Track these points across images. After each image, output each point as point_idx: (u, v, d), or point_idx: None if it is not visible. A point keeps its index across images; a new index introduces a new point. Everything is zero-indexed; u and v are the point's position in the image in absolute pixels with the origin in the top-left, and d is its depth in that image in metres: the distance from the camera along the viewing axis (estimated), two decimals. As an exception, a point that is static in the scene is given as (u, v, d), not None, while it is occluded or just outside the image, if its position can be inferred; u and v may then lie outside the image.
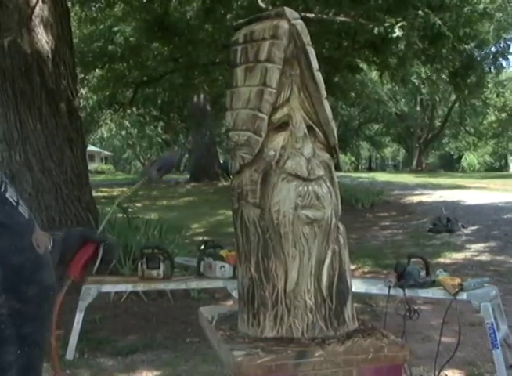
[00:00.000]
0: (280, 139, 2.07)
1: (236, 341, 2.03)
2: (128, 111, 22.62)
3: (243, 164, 2.09)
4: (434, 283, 3.85)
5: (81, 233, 1.53)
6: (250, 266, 2.06)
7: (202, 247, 4.69)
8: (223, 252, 4.44)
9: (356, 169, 49.23)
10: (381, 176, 28.67)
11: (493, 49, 17.09)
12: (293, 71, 2.10)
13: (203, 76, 15.69)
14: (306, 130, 2.08)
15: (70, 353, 4.15)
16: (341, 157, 43.80)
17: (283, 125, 2.08)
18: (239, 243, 2.12)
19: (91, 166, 34.92)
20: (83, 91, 19.00)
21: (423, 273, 3.96)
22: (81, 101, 16.24)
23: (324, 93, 2.12)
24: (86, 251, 1.46)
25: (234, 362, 1.86)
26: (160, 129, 33.36)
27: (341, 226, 2.13)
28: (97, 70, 16.43)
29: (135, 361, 4.23)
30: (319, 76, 2.11)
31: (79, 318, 4.18)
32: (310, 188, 2.01)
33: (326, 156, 2.13)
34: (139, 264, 4.45)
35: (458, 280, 3.78)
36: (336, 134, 2.19)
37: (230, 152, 2.17)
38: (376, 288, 4.10)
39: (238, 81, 2.11)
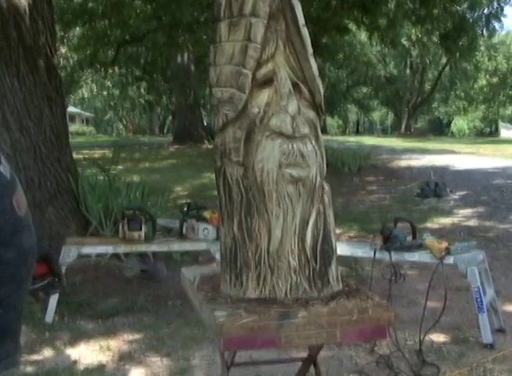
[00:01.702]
0: (264, 95, 2.01)
1: (219, 301, 1.99)
2: (110, 71, 22.27)
3: (226, 121, 2.03)
4: (420, 247, 3.82)
5: (47, 252, 1.49)
6: (232, 226, 2.01)
7: (185, 208, 4.63)
8: (206, 214, 4.37)
9: (344, 133, 49.13)
10: (369, 140, 28.69)
11: (486, 11, 16.83)
12: (279, 26, 2.03)
13: (187, 35, 15.41)
14: (291, 87, 2.02)
15: (50, 316, 4.09)
16: (328, 120, 43.71)
17: (268, 82, 2.02)
18: (221, 202, 2.07)
19: (72, 128, 34.55)
20: (63, 50, 18.65)
21: (409, 237, 3.93)
22: (61, 60, 15.93)
23: (310, 49, 2.06)
24: (36, 268, 1.43)
25: (216, 323, 1.83)
26: (142, 90, 32.99)
27: (326, 186, 2.08)
28: (77, 28, 16.08)
29: (115, 324, 4.19)
30: (304, 31, 2.04)
31: (59, 280, 4.12)
32: (295, 146, 1.96)
33: (311, 113, 2.07)
34: (120, 225, 4.37)
35: (445, 244, 3.75)
36: (322, 91, 2.12)
37: (213, 109, 2.10)
38: (361, 251, 4.07)
39: (222, 37, 2.04)
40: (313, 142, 2.02)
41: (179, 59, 21.99)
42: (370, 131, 54.48)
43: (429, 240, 3.82)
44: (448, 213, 8.94)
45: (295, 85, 2.04)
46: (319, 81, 2.09)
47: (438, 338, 3.81)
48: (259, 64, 1.99)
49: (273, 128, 1.97)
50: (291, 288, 1.98)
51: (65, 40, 17.37)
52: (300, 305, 1.93)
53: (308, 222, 1.98)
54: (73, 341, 3.84)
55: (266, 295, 1.98)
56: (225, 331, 1.82)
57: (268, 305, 1.91)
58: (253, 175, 1.96)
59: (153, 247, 4.53)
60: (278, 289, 1.98)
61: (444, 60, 33.73)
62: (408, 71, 40.63)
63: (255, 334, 1.84)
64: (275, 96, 2.01)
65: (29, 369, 3.39)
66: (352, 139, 29.51)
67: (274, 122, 1.97)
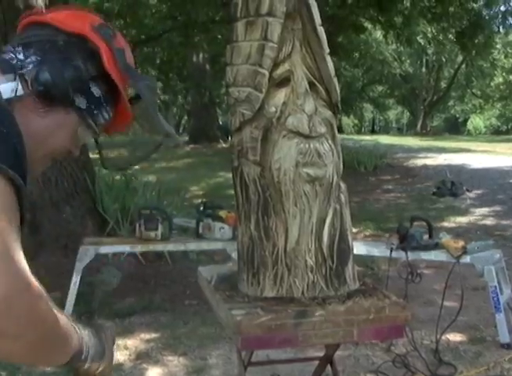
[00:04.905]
0: (281, 95, 2.02)
1: (236, 300, 2.00)
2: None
3: (243, 120, 2.04)
4: (437, 246, 3.80)
5: None
6: (249, 225, 2.02)
7: (201, 208, 4.63)
8: (222, 213, 4.37)
9: (359, 132, 48.79)
10: (385, 139, 28.47)
11: (502, 8, 16.60)
12: (295, 26, 2.04)
13: (203, 35, 15.43)
14: (308, 86, 2.02)
15: (67, 315, 4.12)
16: (344, 119, 43.40)
17: (284, 81, 2.03)
18: (238, 201, 2.08)
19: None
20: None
21: (426, 236, 3.91)
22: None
23: (326, 48, 2.06)
24: None
25: (234, 321, 1.84)
26: (158, 90, 33.05)
27: (343, 185, 2.08)
28: (93, 28, 16.11)
29: (133, 323, 4.22)
30: (321, 31, 2.05)
31: (76, 279, 4.13)
32: (311, 145, 1.96)
33: (328, 113, 2.08)
34: (137, 225, 4.39)
35: (461, 243, 3.73)
36: (338, 90, 2.13)
37: (230, 108, 2.11)
38: (378, 251, 4.07)
39: (238, 36, 2.06)
40: (330, 141, 2.02)
41: (195, 58, 22.01)
42: (386, 130, 54.08)
43: (445, 239, 3.81)
44: (465, 212, 8.88)
45: (312, 85, 2.04)
46: (335, 81, 2.10)
47: (454, 337, 3.80)
48: (276, 64, 2.00)
49: (290, 127, 1.98)
50: (308, 287, 1.98)
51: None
52: (317, 303, 1.93)
53: (324, 221, 1.98)
54: (91, 340, 3.87)
55: (283, 294, 1.98)
56: (242, 330, 1.83)
57: (285, 304, 1.92)
58: (270, 174, 1.97)
59: (170, 247, 4.55)
60: (295, 288, 1.98)
61: (460, 58, 33.37)
62: (424, 69, 40.27)
63: (272, 332, 1.85)
64: (292, 96, 2.02)
65: (48, 368, 3.42)
66: (368, 138, 29.32)
67: (291, 122, 1.98)
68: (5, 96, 1.05)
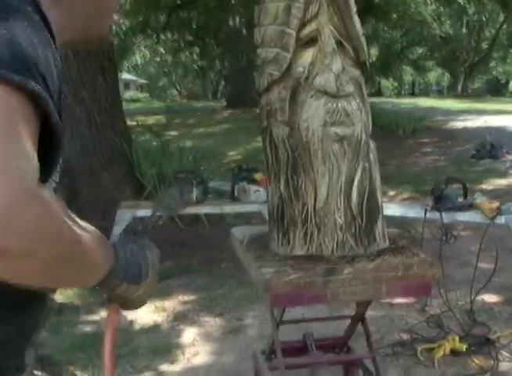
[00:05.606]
0: (309, 55, 2.02)
1: (266, 259, 2.04)
2: (163, 37, 22.25)
3: (271, 81, 2.05)
4: (471, 207, 3.77)
5: None
6: (279, 185, 2.04)
7: (236, 171, 4.65)
8: (257, 176, 4.36)
9: (399, 94, 47.89)
10: (424, 102, 27.91)
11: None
12: (322, -15, 2.02)
13: (238, -2, 15.31)
14: (335, 45, 2.01)
15: (106, 278, 4.21)
16: (383, 82, 42.62)
17: (312, 41, 2.02)
18: (268, 162, 2.11)
19: (127, 94, 34.95)
20: (115, 16, 18.70)
21: (461, 198, 3.87)
22: (113, 27, 16.01)
23: (354, 7, 2.05)
24: None
25: (263, 279, 1.88)
26: (195, 56, 32.95)
27: (372, 144, 2.08)
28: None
29: (170, 285, 4.31)
30: (348, -12, 2.03)
31: (113, 243, 4.20)
32: (339, 105, 1.96)
33: (356, 72, 2.07)
34: (173, 188, 4.44)
35: (496, 204, 3.68)
36: (366, 49, 2.11)
37: (258, 69, 2.12)
38: (412, 212, 4.04)
39: (266, -3, 2.05)
40: (358, 100, 2.02)
41: (231, 22, 21.84)
42: (426, 92, 52.93)
43: (480, 199, 3.77)
44: (504, 174, 8.74)
45: (339, 44, 2.03)
46: (363, 40, 2.08)
47: (489, 298, 3.79)
48: (303, 24, 2.00)
49: (318, 87, 1.98)
50: (338, 245, 2.00)
51: (117, 6, 17.42)
52: (346, 261, 1.96)
53: (353, 180, 1.99)
54: (130, 302, 3.98)
55: (313, 253, 2.01)
56: (272, 288, 1.87)
57: (314, 262, 1.95)
58: (298, 134, 1.98)
59: (205, 209, 4.59)
60: (324, 246, 2.01)
61: (502, 18, 32.34)
62: (464, 30, 39.16)
63: (302, 290, 1.88)
64: (320, 55, 2.01)
65: (88, 329, 3.54)
66: (407, 101, 28.79)
67: (318, 81, 1.98)
68: None
